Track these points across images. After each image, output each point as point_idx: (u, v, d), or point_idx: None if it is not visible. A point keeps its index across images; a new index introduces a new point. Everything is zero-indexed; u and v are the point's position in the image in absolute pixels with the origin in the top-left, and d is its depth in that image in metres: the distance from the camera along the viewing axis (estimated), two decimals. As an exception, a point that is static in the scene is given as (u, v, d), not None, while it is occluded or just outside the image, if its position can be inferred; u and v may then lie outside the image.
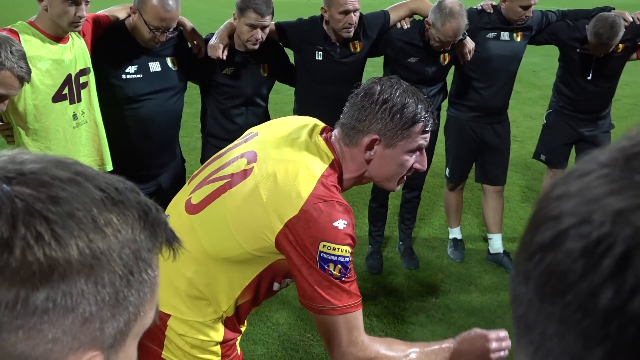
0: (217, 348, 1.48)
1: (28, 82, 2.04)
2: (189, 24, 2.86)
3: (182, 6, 2.77)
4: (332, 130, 1.50)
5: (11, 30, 2.23)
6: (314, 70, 3.07)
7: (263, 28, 2.74)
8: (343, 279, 1.29)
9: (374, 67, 4.14)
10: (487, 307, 3.26)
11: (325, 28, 3.02)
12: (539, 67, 9.10)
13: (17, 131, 2.31)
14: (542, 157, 3.84)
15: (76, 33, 2.41)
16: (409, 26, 3.15)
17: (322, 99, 3.08)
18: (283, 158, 1.38)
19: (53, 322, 0.45)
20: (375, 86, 1.42)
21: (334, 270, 1.27)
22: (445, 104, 3.52)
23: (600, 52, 3.28)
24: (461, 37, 3.11)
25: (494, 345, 1.41)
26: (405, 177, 1.50)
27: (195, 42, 2.83)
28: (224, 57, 2.78)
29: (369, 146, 1.41)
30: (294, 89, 3.28)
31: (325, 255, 1.26)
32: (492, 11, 3.31)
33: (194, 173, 1.58)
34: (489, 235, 3.74)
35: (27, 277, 0.43)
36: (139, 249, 0.50)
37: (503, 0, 3.24)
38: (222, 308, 1.43)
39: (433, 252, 3.84)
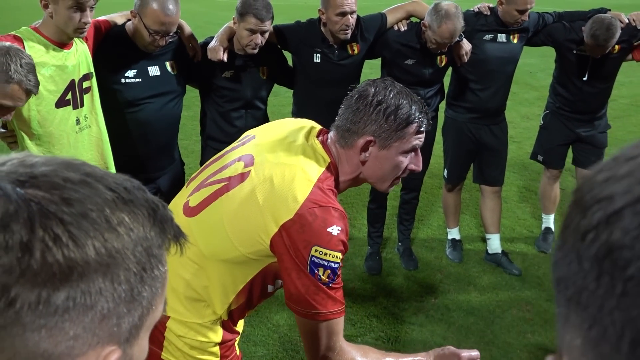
0: (216, 349, 1.49)
1: (36, 95, 2.06)
2: (187, 27, 2.88)
3: (180, 9, 2.79)
4: (328, 133, 1.51)
5: (15, 37, 2.24)
6: (312, 73, 3.09)
7: (263, 33, 2.76)
8: (331, 284, 1.31)
9: (371, 69, 4.16)
10: (486, 307, 3.27)
11: (323, 30, 3.04)
12: (536, 68, 9.14)
13: (21, 136, 2.32)
14: (540, 157, 3.87)
15: (79, 38, 2.42)
16: (406, 28, 3.18)
17: (320, 100, 3.10)
18: (280, 162, 1.39)
19: (74, 320, 0.47)
20: (369, 88, 1.43)
21: (323, 275, 1.29)
22: (442, 105, 3.54)
23: (596, 54, 3.30)
24: (458, 38, 3.14)
25: None
26: (400, 178, 1.51)
27: (191, 45, 2.85)
28: (224, 60, 2.79)
29: (363, 148, 1.42)
30: (292, 91, 3.30)
31: (317, 260, 1.28)
32: (489, 13, 3.33)
33: (192, 176, 1.59)
34: (487, 236, 3.76)
35: (48, 278, 0.45)
36: (151, 246, 0.51)
37: (500, 3, 3.27)
38: (217, 312, 1.45)
39: (432, 252, 3.85)
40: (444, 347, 1.46)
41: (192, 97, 3.43)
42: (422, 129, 1.44)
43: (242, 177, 1.39)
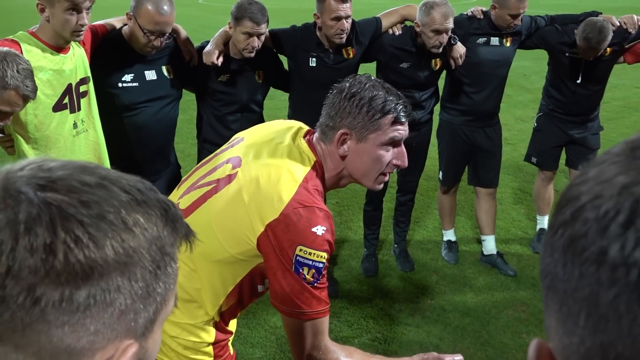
0: (210, 349, 1.51)
1: (34, 100, 2.07)
2: (183, 31, 2.91)
3: (176, 13, 2.82)
4: (312, 131, 1.53)
5: (13, 41, 2.25)
6: (308, 76, 3.11)
7: (259, 36, 2.78)
8: (315, 284, 1.32)
9: (366, 72, 4.19)
10: (482, 308, 3.30)
11: (318, 35, 3.07)
12: (530, 70, 9.20)
13: (18, 140, 2.33)
14: (533, 159, 3.90)
15: (76, 43, 2.44)
16: (400, 32, 3.21)
17: (316, 104, 3.08)
18: (266, 162, 1.41)
19: (94, 316, 0.49)
20: (346, 83, 1.45)
21: (307, 274, 1.31)
22: (437, 108, 3.57)
23: (589, 56, 3.34)
24: (452, 42, 3.17)
25: None
26: (386, 175, 1.50)
27: (187, 49, 2.87)
28: (219, 63, 2.81)
29: (340, 141, 1.43)
30: (288, 94, 3.32)
31: (301, 259, 1.30)
32: (482, 17, 3.37)
33: (183, 178, 1.61)
34: (483, 237, 3.79)
35: (71, 278, 0.48)
36: (164, 244, 0.54)
37: (493, 8, 3.30)
38: (209, 313, 1.46)
39: (427, 254, 3.88)
40: (427, 353, 1.47)
41: (188, 101, 3.45)
42: (401, 120, 1.43)
43: (230, 178, 1.42)
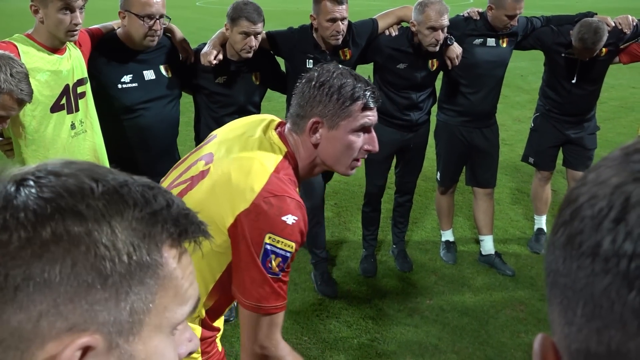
0: None
1: (29, 103, 2.07)
2: (178, 31, 2.92)
3: (172, 15, 2.83)
4: (284, 123, 1.56)
5: (9, 43, 2.26)
6: (306, 78, 3.12)
7: (256, 35, 2.80)
8: (280, 275, 1.35)
9: (363, 73, 4.21)
10: (480, 308, 3.31)
11: (315, 36, 3.08)
12: (527, 71, 9.23)
13: (16, 142, 2.34)
14: (531, 159, 3.92)
15: (72, 44, 2.45)
16: (397, 33, 3.23)
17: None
18: (237, 156, 1.44)
19: (35, 298, 0.49)
20: (314, 72, 1.48)
21: (273, 262, 1.33)
22: (434, 109, 3.59)
23: (584, 57, 3.36)
24: (448, 42, 3.19)
25: None
26: (359, 160, 1.53)
27: (183, 47, 2.88)
28: (215, 62, 2.82)
29: (312, 129, 1.46)
30: (285, 96, 3.33)
31: (269, 247, 1.32)
32: (478, 18, 3.38)
33: (162, 179, 1.65)
34: (481, 237, 3.80)
35: (6, 256, 0.49)
36: (144, 243, 0.53)
37: (489, 9, 3.32)
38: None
39: (426, 254, 3.89)
40: None
41: (186, 103, 3.46)
42: (370, 106, 1.46)
43: (203, 174, 1.45)
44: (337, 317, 3.21)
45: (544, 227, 4.05)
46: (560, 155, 3.87)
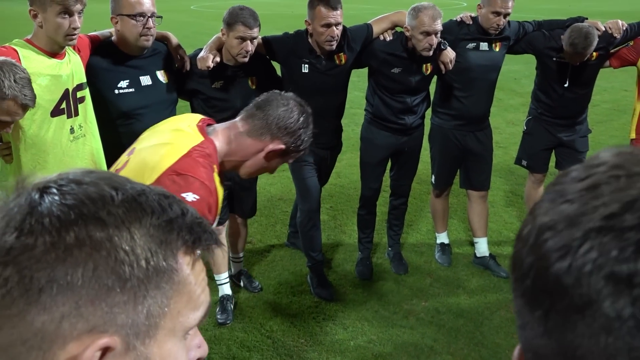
0: None
1: (33, 108, 2.10)
2: (174, 38, 2.95)
3: (167, 18, 2.86)
4: (211, 122, 1.75)
5: (10, 48, 2.28)
6: (301, 82, 3.16)
7: (252, 40, 2.83)
8: None
9: (358, 77, 4.24)
10: (475, 309, 3.34)
11: (310, 41, 3.11)
12: (520, 74, 9.30)
13: (15, 146, 2.36)
14: (524, 162, 3.96)
15: (71, 49, 2.47)
16: (391, 38, 3.26)
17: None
18: (153, 144, 1.59)
19: (58, 300, 0.51)
20: (304, 107, 1.72)
21: None
22: (428, 113, 3.62)
23: (575, 61, 3.41)
24: (442, 47, 3.23)
25: None
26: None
27: (179, 56, 2.91)
28: (212, 65, 2.84)
29: (269, 154, 1.68)
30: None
31: None
32: (471, 22, 3.43)
33: None
34: (475, 239, 3.84)
35: (31, 259, 0.51)
36: (161, 250, 0.55)
37: (479, 8, 3.37)
38: None
39: (421, 257, 3.92)
40: None
41: (182, 108, 3.48)
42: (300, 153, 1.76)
43: (125, 165, 1.58)
44: (334, 319, 3.23)
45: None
46: (553, 157, 3.91)
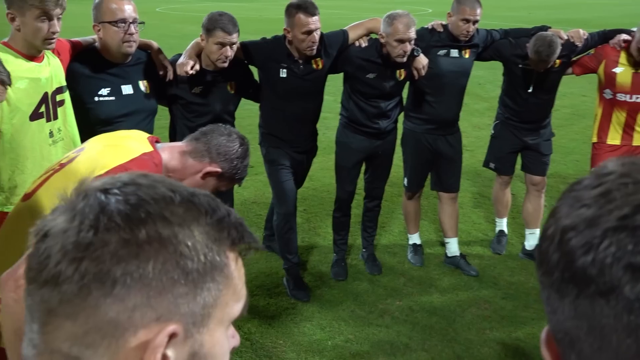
0: None
1: (10, 85, 2.06)
2: (155, 45, 2.95)
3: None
4: (158, 140, 1.85)
5: None
6: (279, 87, 3.21)
7: (231, 45, 2.86)
8: None
9: (329, 82, 4.31)
10: (447, 307, 3.45)
11: (288, 47, 3.17)
12: (485, 80, 9.56)
13: None
14: (492, 165, 4.10)
15: (51, 52, 2.44)
16: (366, 44, 3.35)
17: (286, 113, 3.23)
18: (106, 144, 1.71)
19: (131, 292, 0.56)
20: (241, 139, 1.86)
21: None
22: (401, 117, 3.73)
23: (540, 68, 3.57)
24: (415, 53, 3.33)
25: None
26: None
27: (163, 64, 2.91)
28: (193, 72, 2.86)
29: (206, 175, 1.79)
30: (258, 104, 3.41)
31: None
32: (442, 30, 3.55)
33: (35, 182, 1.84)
34: (446, 240, 3.95)
35: (108, 255, 0.57)
36: (214, 244, 0.60)
37: (449, 16, 3.51)
38: None
39: (394, 257, 4.02)
40: None
41: (164, 109, 3.48)
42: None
43: (73, 159, 1.67)
44: (311, 320, 3.28)
45: (505, 229, 4.24)
46: (519, 160, 4.07)
